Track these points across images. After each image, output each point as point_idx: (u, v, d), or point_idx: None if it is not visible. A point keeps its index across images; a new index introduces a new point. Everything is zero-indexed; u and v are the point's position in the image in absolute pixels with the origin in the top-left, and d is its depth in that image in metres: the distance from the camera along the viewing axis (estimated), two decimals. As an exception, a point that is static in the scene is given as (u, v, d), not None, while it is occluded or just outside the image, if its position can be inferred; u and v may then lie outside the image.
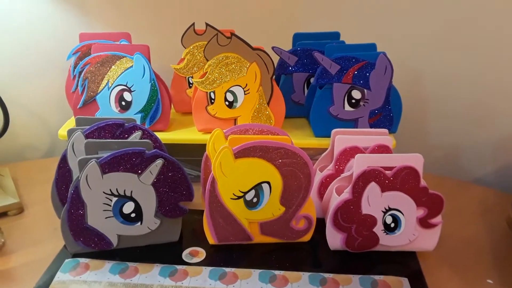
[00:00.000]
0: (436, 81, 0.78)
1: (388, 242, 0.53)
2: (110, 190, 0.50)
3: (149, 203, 0.51)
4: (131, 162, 0.49)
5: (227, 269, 0.51)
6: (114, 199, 0.50)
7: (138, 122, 0.63)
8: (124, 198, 0.50)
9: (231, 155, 0.50)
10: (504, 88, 0.75)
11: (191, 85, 0.73)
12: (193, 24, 0.68)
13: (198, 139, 0.65)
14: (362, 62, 0.62)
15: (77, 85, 0.64)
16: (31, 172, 0.73)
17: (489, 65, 0.74)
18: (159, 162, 0.50)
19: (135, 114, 0.64)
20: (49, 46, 0.78)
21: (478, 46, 0.74)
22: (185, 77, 0.72)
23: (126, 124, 0.55)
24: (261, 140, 0.51)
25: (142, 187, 0.50)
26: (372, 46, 0.65)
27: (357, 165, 0.51)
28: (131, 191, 0.50)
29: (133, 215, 0.51)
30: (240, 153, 0.50)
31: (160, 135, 0.60)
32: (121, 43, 0.68)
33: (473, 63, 0.75)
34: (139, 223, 0.52)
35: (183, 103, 0.73)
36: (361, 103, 0.64)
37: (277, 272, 0.51)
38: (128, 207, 0.51)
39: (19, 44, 0.78)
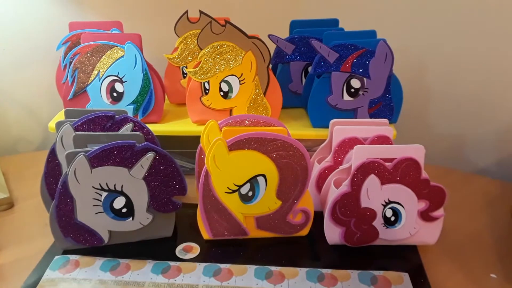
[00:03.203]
0: (439, 69, 0.76)
1: (388, 236, 0.52)
2: (100, 184, 0.48)
3: (140, 198, 0.50)
4: (121, 155, 0.47)
5: (222, 265, 0.49)
6: (104, 194, 0.48)
7: (131, 114, 0.62)
8: (114, 193, 0.49)
9: (225, 148, 0.48)
10: (508, 77, 0.72)
11: (185, 75, 0.71)
12: (187, 12, 0.66)
13: (193, 131, 0.63)
14: (362, 50, 0.60)
15: (67, 76, 0.62)
16: (22, 166, 0.71)
17: (494, 54, 0.72)
18: (150, 155, 0.48)
19: (127, 105, 0.62)
20: (39, 36, 0.76)
21: (482, 34, 0.72)
22: (179, 67, 0.70)
23: (116, 116, 0.53)
24: (256, 132, 0.49)
25: (133, 181, 0.49)
26: (372, 33, 0.63)
27: (356, 156, 0.50)
28: (122, 186, 0.49)
29: (124, 210, 0.50)
30: (234, 146, 0.49)
31: (153, 127, 0.58)
32: (112, 32, 0.66)
33: (478, 51, 0.73)
34: (131, 218, 0.50)
35: (177, 94, 0.71)
36: (361, 92, 0.62)
37: (273, 268, 0.49)
38: (119, 202, 0.49)
39: (8, 35, 0.75)
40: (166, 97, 0.70)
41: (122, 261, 0.49)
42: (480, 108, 0.76)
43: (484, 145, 0.77)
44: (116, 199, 0.49)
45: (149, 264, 0.49)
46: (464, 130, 0.78)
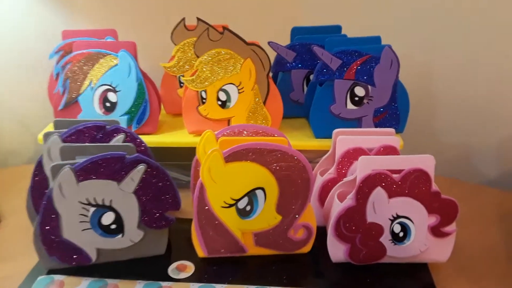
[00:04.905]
0: (446, 76, 0.74)
1: (396, 253, 0.48)
2: (87, 199, 0.45)
3: (131, 213, 0.47)
4: (110, 168, 0.45)
5: (218, 286, 0.46)
6: (92, 209, 0.45)
7: (124, 125, 0.59)
8: (103, 208, 0.46)
9: (221, 159, 0.46)
10: None
11: (182, 84, 0.68)
12: (183, 19, 0.64)
13: (189, 142, 0.60)
14: (366, 56, 0.58)
15: (59, 86, 0.60)
16: (12, 180, 0.68)
17: (503, 60, 0.69)
18: (141, 167, 0.45)
19: (121, 116, 0.60)
20: (32, 45, 0.74)
21: (490, 39, 0.69)
22: (176, 76, 0.67)
23: (107, 127, 0.50)
24: (254, 142, 0.46)
25: (122, 195, 0.46)
26: (377, 39, 0.61)
27: (361, 168, 0.47)
28: (111, 200, 0.46)
29: (113, 226, 0.47)
30: (231, 157, 0.46)
31: (148, 138, 0.56)
32: (107, 40, 0.63)
33: (486, 58, 0.70)
34: (121, 235, 0.47)
35: (174, 104, 0.68)
36: (365, 101, 0.59)
37: (273, 289, 0.46)
38: (108, 218, 0.46)
39: (0, 43, 0.73)
40: (162, 107, 0.67)
41: (110, 281, 0.46)
42: (489, 116, 0.73)
43: (495, 155, 0.74)
44: (105, 214, 0.46)
45: (139, 285, 0.46)
46: (474, 139, 0.75)
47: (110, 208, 0.46)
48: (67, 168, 0.43)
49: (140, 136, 0.53)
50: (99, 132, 0.50)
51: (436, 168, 0.47)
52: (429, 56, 0.73)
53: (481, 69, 0.71)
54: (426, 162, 0.47)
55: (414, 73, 0.72)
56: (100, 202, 0.45)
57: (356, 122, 0.60)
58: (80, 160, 0.44)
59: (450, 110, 0.75)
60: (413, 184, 0.46)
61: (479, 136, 0.75)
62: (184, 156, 0.62)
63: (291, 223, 0.49)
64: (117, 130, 0.51)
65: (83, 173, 0.44)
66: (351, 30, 0.65)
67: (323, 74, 0.58)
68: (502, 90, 0.71)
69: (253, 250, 0.50)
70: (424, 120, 0.76)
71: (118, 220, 0.46)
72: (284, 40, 0.65)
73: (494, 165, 0.75)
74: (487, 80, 0.71)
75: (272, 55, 0.63)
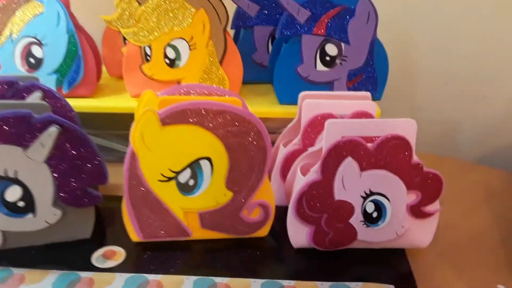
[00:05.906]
0: (432, 41, 0.67)
1: (369, 237, 0.41)
2: (-16, 169, 0.36)
3: (42, 188, 0.38)
4: (13, 130, 0.36)
5: (150, 276, 0.38)
6: (-9, 182, 0.37)
7: (52, 86, 0.50)
8: (5, 180, 0.37)
9: (157, 121, 0.37)
10: (508, 56, 0.64)
11: (126, 41, 0.59)
12: (127, -38, 0.55)
13: (130, 107, 0.51)
14: (339, 8, 0.50)
15: (-26, 39, 0.50)
16: None
17: (493, 29, 0.63)
18: (52, 130, 0.36)
19: (48, 74, 0.51)
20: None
21: (482, 5, 0.62)
22: (120, 32, 0.58)
23: (20, 83, 0.41)
24: (197, 101, 0.38)
25: (31, 165, 0.37)
26: (352, -10, 0.53)
27: (328, 134, 0.39)
28: (15, 171, 0.37)
29: (21, 203, 0.38)
30: (169, 118, 0.37)
31: (81, 103, 0.49)
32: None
33: (476, 25, 0.64)
34: (31, 214, 0.38)
35: (118, 65, 0.59)
36: (338, 61, 0.52)
37: (218, 280, 0.38)
38: (13, 193, 0.37)
39: None
40: (104, 69, 0.59)
41: (16, 271, 0.37)
42: (478, 89, 0.67)
43: (484, 130, 0.69)
44: (9, 189, 0.37)
45: (51, 276, 0.37)
46: (461, 113, 0.69)
47: (15, 181, 0.37)
48: (-46, 130, 0.34)
49: (74, 100, 0.45)
50: (10, 89, 0.41)
51: (418, 144, 0.40)
52: (413, 17, 0.66)
53: (470, 38, 0.65)
54: (406, 128, 0.39)
55: (396, 35, 0.65)
56: (1, 173, 0.36)
57: (327, 86, 0.53)
58: (-25, 120, 0.35)
59: (435, 81, 0.69)
60: (390, 154, 0.39)
61: (467, 110, 0.69)
62: (127, 125, 0.54)
63: (245, 201, 0.41)
64: (33, 87, 0.41)
65: (-23, 136, 0.35)
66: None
67: (288, 28, 0.50)
68: (491, 63, 0.65)
69: (198, 233, 0.42)
70: (406, 90, 0.70)
71: (27, 195, 0.38)
72: (246, -9, 0.57)
73: (482, 141, 0.69)
74: (476, 51, 0.65)
75: (232, 8, 0.55)
